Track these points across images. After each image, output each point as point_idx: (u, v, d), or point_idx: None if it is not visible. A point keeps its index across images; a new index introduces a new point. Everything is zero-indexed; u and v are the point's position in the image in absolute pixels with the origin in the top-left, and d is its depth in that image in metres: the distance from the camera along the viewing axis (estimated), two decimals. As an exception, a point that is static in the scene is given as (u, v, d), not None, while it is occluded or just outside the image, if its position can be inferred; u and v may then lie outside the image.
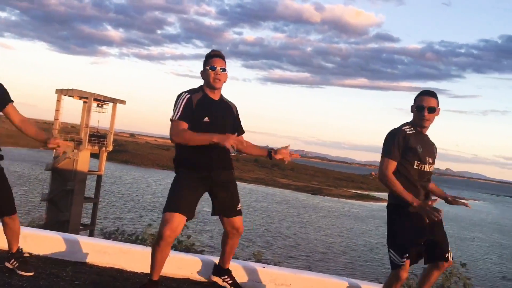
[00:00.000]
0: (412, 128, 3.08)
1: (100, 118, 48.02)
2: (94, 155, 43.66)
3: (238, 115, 3.28)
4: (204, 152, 3.00)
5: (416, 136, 3.05)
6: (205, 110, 3.04)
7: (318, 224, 50.33)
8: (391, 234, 3.02)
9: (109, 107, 46.58)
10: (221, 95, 3.21)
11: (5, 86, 3.03)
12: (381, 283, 3.74)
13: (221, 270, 3.45)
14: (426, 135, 3.14)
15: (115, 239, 4.21)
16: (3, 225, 3.17)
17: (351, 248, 39.81)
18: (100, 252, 3.75)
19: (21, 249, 3.25)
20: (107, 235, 4.32)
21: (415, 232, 2.94)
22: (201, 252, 4.09)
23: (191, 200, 3.02)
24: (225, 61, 3.14)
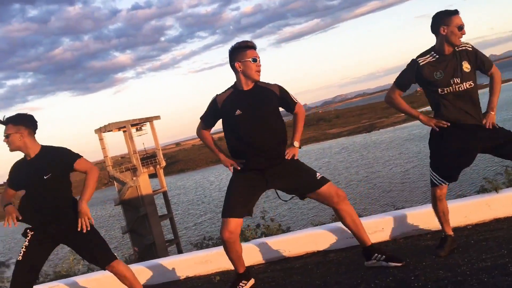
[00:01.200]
0: (431, 56, 3.12)
1: (143, 140, 49.42)
2: (152, 175, 45.10)
3: (282, 95, 3.17)
4: (252, 151, 3.07)
5: (434, 64, 3.09)
6: (234, 104, 3.09)
7: (385, 159, 49.70)
8: (432, 154, 3.22)
9: (147, 127, 47.84)
10: (256, 83, 3.15)
11: (67, 149, 3.22)
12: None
13: (366, 251, 3.21)
14: (454, 53, 3.09)
15: (208, 246, 4.45)
16: (118, 277, 3.26)
17: (426, 170, 39.21)
18: (203, 261, 4.01)
19: None
20: (199, 245, 4.57)
21: (451, 155, 3.10)
22: (287, 229, 4.27)
23: (245, 200, 3.10)
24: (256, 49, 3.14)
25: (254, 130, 3.06)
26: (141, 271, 4.10)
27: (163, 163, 46.22)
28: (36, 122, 3.24)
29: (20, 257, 3.14)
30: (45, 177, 3.10)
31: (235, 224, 3.09)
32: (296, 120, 3.25)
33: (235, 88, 3.17)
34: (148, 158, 45.38)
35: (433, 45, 3.14)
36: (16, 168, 3.25)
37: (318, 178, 3.14)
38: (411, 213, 3.79)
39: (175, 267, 4.05)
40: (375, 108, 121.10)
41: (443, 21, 3.06)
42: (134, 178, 40.95)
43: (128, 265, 3.83)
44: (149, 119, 46.58)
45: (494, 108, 3.11)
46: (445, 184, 3.17)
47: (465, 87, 3.05)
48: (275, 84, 3.21)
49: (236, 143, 3.14)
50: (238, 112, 3.07)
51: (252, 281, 3.30)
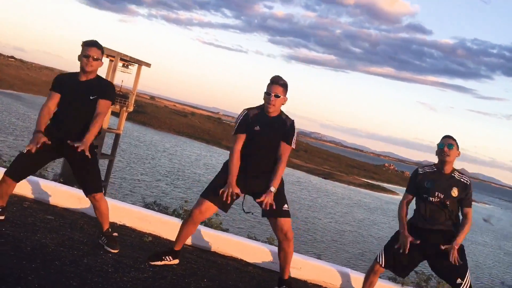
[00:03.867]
0: (429, 168, 3.74)
1: (124, 78, 48.79)
2: (114, 114, 44.56)
3: (290, 129, 3.57)
4: (244, 158, 3.53)
5: (427, 175, 3.68)
6: (257, 122, 3.56)
7: (329, 210, 50.82)
8: (391, 238, 3.76)
9: (134, 68, 47.22)
10: (280, 114, 3.61)
11: (113, 87, 3.71)
12: (389, 279, 4.33)
13: (280, 280, 3.67)
14: (447, 174, 3.65)
15: (153, 209, 4.82)
16: (93, 207, 3.66)
17: (361, 239, 40.30)
18: (143, 220, 4.39)
19: (110, 229, 3.72)
20: (147, 206, 4.93)
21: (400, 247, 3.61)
22: (226, 230, 4.69)
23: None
24: (283, 86, 3.54)
25: (258, 149, 3.55)
26: (83, 200, 4.43)
27: (131, 108, 45.73)
28: None
29: (25, 151, 3.45)
30: (91, 98, 3.53)
31: (207, 207, 3.51)
32: (278, 164, 3.53)
33: (262, 111, 3.61)
34: (119, 96, 44.81)
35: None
36: (68, 82, 3.61)
37: (283, 208, 3.53)
38: (326, 268, 4.29)
39: (118, 212, 4.39)
40: (341, 160, 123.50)
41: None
42: (98, 108, 40.37)
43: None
44: (140, 62, 46.04)
45: (458, 243, 3.53)
46: (383, 263, 3.65)
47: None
48: (291, 119, 3.63)
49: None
50: (257, 128, 3.55)
51: (176, 261, 3.66)
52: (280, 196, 3.54)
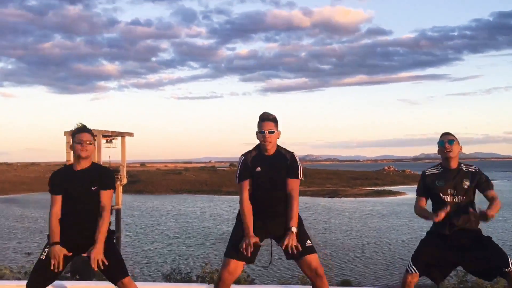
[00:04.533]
0: (435, 169, 3.67)
1: (110, 153, 48.67)
2: (110, 190, 44.19)
3: (292, 162, 3.53)
4: (254, 204, 3.45)
5: (436, 175, 3.63)
6: (258, 162, 3.50)
7: (345, 228, 50.21)
8: (416, 248, 3.65)
9: (118, 141, 47.33)
10: (277, 149, 3.56)
11: (112, 174, 3.62)
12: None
13: None
14: (454, 169, 3.60)
15: (176, 279, 4.64)
16: None
17: (385, 248, 39.63)
18: (169, 294, 4.20)
19: None
20: (168, 277, 4.76)
21: (428, 252, 3.53)
22: (252, 281, 4.52)
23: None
24: (273, 121, 3.52)
25: (265, 191, 3.47)
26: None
27: (125, 181, 45.47)
28: None
29: (44, 256, 3.38)
30: (92, 189, 3.40)
31: (235, 266, 3.38)
32: (291, 202, 3.44)
33: (259, 150, 3.57)
34: (111, 172, 44.66)
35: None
36: (63, 177, 3.51)
37: (307, 245, 3.40)
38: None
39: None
40: (341, 176, 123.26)
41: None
42: (92, 189, 40.08)
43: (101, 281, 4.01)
44: (122, 134, 46.19)
45: (491, 214, 3.36)
46: (415, 272, 3.49)
47: (456, 200, 3.53)
48: (290, 152, 3.56)
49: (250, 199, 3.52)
50: (258, 169, 3.48)
51: None
52: (301, 234, 3.42)
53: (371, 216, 57.83)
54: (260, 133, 3.48)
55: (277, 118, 3.56)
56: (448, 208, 3.42)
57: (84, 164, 3.50)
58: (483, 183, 3.57)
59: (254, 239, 3.31)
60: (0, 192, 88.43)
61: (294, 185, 3.47)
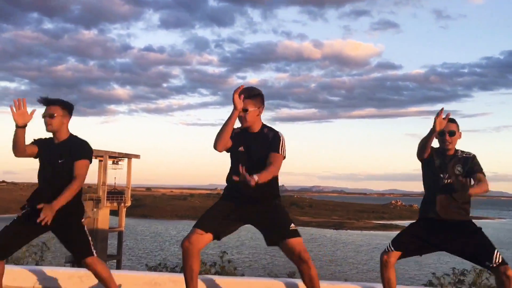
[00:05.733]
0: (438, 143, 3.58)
1: (116, 175, 48.77)
2: (113, 212, 44.07)
3: (274, 138, 3.28)
4: (235, 184, 3.16)
5: (436, 150, 3.55)
6: (240, 142, 3.34)
7: (351, 261, 49.32)
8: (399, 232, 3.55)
9: (124, 163, 47.53)
10: (262, 128, 3.35)
11: (87, 146, 3.41)
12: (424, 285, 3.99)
13: None
14: (451, 155, 3.52)
15: (161, 271, 4.49)
16: (93, 273, 3.39)
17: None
18: (151, 283, 4.04)
19: None
20: (153, 268, 4.61)
21: (410, 233, 3.47)
22: (242, 275, 4.35)
23: (217, 221, 3.23)
24: (251, 98, 3.26)
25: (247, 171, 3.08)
26: (91, 277, 4.11)
27: (129, 203, 45.39)
28: (72, 110, 3.47)
29: (9, 224, 3.29)
30: (59, 161, 3.31)
31: (197, 236, 3.18)
32: (267, 166, 3.16)
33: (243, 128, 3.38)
34: (115, 194, 44.59)
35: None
36: (44, 144, 3.43)
37: (290, 228, 3.21)
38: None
39: (123, 282, 4.05)
40: (348, 208, 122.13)
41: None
42: (95, 210, 39.97)
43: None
44: (129, 156, 46.41)
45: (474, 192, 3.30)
46: (392, 250, 3.40)
47: (449, 182, 3.43)
48: (276, 130, 3.35)
49: (228, 178, 3.37)
50: (241, 148, 3.31)
51: None
52: (284, 216, 3.28)
53: (377, 250, 56.67)
54: (243, 111, 3.24)
55: (260, 93, 3.32)
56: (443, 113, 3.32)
57: (59, 137, 3.39)
58: (473, 166, 3.46)
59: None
60: (6, 212, 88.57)
61: (274, 157, 3.20)
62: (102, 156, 43.33)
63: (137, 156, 47.49)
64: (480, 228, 3.37)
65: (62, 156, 3.33)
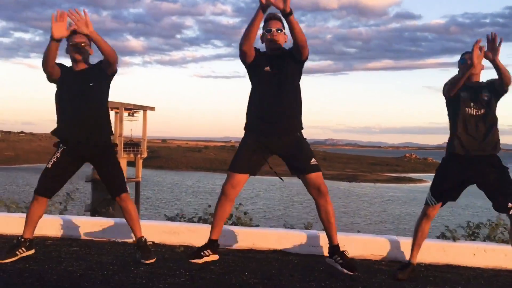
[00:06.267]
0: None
1: (132, 127, 49.20)
2: (130, 163, 44.83)
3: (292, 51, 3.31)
4: (260, 107, 3.30)
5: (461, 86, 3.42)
6: (265, 62, 3.33)
7: (364, 212, 49.86)
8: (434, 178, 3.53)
9: (139, 115, 47.82)
10: (283, 48, 3.35)
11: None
12: (437, 238, 4.05)
13: (330, 248, 3.37)
14: (476, 82, 3.45)
15: (179, 221, 4.62)
16: (122, 211, 3.53)
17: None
18: (170, 232, 4.19)
19: (144, 238, 3.56)
20: (173, 218, 4.74)
21: (444, 177, 3.44)
22: (257, 225, 4.47)
23: (250, 160, 3.33)
24: (282, 21, 3.27)
25: (275, 91, 3.28)
26: (111, 225, 4.26)
27: (145, 154, 46.03)
28: None
29: (50, 165, 3.44)
30: (90, 85, 3.38)
31: (239, 179, 3.32)
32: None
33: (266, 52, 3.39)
34: (132, 145, 45.17)
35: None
36: (66, 69, 3.46)
37: (311, 163, 3.31)
38: (372, 239, 4.03)
39: (143, 230, 4.20)
40: (361, 161, 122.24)
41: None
42: (113, 161, 40.68)
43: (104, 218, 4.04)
44: (144, 108, 46.57)
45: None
46: (435, 203, 3.44)
47: (477, 113, 3.37)
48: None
49: (251, 113, 3.43)
50: (267, 68, 3.31)
51: (216, 257, 3.41)
52: (307, 151, 3.35)
53: (391, 202, 57.24)
54: (268, 31, 3.26)
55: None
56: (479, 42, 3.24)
57: (80, 66, 3.45)
58: (495, 81, 3.37)
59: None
60: (26, 162, 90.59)
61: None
62: (117, 108, 43.59)
63: (152, 108, 47.67)
64: (507, 169, 3.35)
65: (92, 79, 3.40)
